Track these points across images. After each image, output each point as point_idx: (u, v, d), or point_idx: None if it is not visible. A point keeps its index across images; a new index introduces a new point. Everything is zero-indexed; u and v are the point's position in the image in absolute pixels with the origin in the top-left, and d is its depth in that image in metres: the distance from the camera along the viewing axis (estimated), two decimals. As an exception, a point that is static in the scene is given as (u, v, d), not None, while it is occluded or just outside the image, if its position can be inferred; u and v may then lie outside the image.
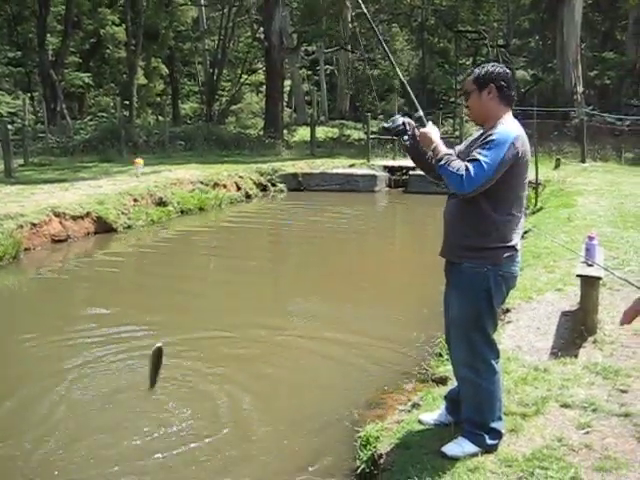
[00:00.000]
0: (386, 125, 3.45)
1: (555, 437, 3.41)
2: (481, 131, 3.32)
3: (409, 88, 3.63)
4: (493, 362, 3.31)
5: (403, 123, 3.36)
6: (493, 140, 3.11)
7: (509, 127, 3.19)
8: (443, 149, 3.23)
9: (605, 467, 3.11)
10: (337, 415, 4.67)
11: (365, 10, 4.10)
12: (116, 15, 30.23)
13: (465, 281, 3.26)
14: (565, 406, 3.76)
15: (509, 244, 3.25)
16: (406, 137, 3.37)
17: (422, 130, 3.33)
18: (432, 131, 3.32)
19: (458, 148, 3.42)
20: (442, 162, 3.17)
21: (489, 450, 3.29)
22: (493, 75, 3.26)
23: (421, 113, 3.39)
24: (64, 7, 27.74)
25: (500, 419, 3.36)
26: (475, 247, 3.23)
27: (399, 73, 3.67)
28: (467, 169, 3.06)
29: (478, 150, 3.12)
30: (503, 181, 3.13)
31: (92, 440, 4.35)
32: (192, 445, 4.28)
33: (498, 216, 3.20)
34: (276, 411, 4.85)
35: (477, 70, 3.32)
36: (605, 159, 19.29)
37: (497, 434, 3.33)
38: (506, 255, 3.24)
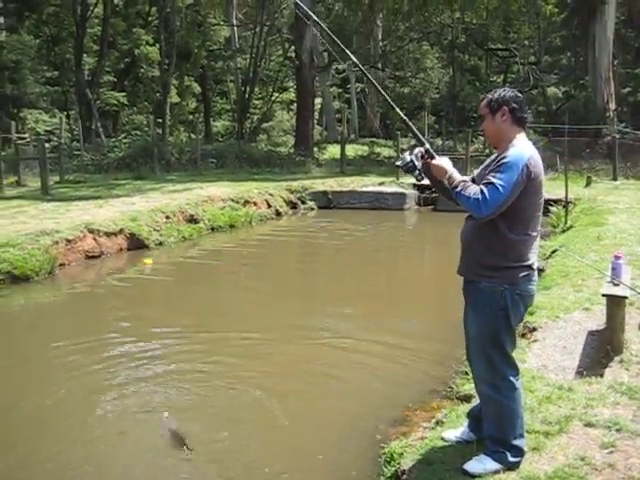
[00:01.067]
0: (397, 164, 3.56)
1: (578, 456, 3.43)
2: (496, 154, 3.40)
3: (411, 124, 3.69)
4: (513, 379, 3.35)
5: (411, 160, 3.44)
6: (506, 163, 3.19)
7: (521, 149, 3.27)
8: (457, 176, 3.34)
9: (628, 487, 3.12)
10: (362, 431, 4.72)
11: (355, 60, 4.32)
12: (150, 35, 30.85)
13: (482, 300, 3.33)
14: (589, 425, 3.77)
15: (525, 263, 3.31)
16: (417, 172, 3.46)
17: (434, 163, 3.42)
18: (443, 162, 3.41)
19: (476, 172, 3.50)
20: (458, 189, 3.27)
21: (511, 468, 3.32)
22: (505, 98, 3.35)
23: (428, 146, 3.47)
24: (100, 28, 28.42)
25: (522, 436, 3.39)
26: (492, 266, 3.30)
27: (398, 111, 3.79)
28: (483, 193, 3.15)
29: (492, 174, 3.21)
30: (518, 202, 3.21)
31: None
32: (213, 454, 4.37)
33: (514, 236, 3.27)
34: (301, 424, 4.92)
35: (489, 95, 3.42)
36: (637, 177, 19.09)
37: (519, 451, 3.36)
38: (523, 274, 3.30)
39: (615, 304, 4.78)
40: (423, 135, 3.56)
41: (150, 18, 32.47)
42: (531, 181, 3.22)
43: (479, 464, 3.35)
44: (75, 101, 28.08)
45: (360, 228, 14.49)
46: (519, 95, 3.40)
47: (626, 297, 4.77)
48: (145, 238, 11.60)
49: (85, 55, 27.65)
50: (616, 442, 3.56)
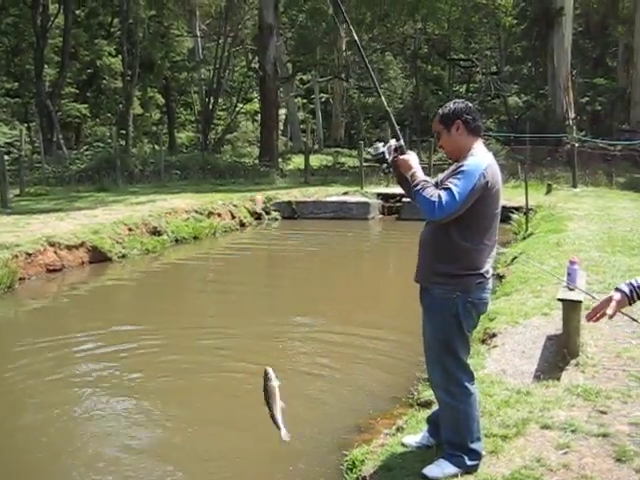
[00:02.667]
0: (369, 150, 3.59)
1: (534, 458, 3.49)
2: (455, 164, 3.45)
3: (392, 116, 3.75)
4: (467, 384, 3.40)
5: (383, 152, 3.48)
6: (464, 171, 3.23)
7: (480, 158, 3.31)
8: (420, 175, 3.36)
9: (581, 486, 3.19)
10: (325, 439, 4.74)
11: (356, 37, 4.21)
12: (112, 46, 30.63)
13: (435, 306, 3.37)
14: (545, 427, 3.84)
15: (479, 271, 3.33)
16: (385, 165, 3.50)
17: (401, 157, 3.46)
18: (411, 158, 3.45)
19: (440, 176, 3.53)
20: (418, 187, 3.29)
21: (469, 471, 3.37)
22: (457, 111, 3.39)
23: (402, 142, 3.50)
24: (61, 39, 28.12)
25: (479, 440, 3.44)
26: (444, 273, 3.32)
27: (384, 102, 3.81)
28: (439, 197, 3.18)
29: (450, 179, 3.25)
30: (473, 210, 3.24)
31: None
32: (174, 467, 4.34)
33: (468, 244, 3.29)
34: (264, 434, 4.91)
35: (440, 110, 3.45)
36: (596, 184, 19.48)
37: (476, 455, 3.41)
38: (476, 282, 3.33)
39: (571, 308, 4.87)
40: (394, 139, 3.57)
41: (112, 29, 32.27)
42: (487, 190, 3.25)
43: (437, 468, 3.39)
44: (36, 113, 27.68)
45: (325, 238, 14.54)
46: (469, 105, 3.45)
47: (581, 301, 4.86)
48: (107, 251, 11.47)
49: (46, 66, 27.28)
50: (571, 443, 3.63)
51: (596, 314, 2.54)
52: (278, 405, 3.23)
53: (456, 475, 3.34)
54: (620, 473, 3.32)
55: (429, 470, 3.39)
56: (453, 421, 3.40)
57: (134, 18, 27.49)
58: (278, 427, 3.25)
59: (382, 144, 3.54)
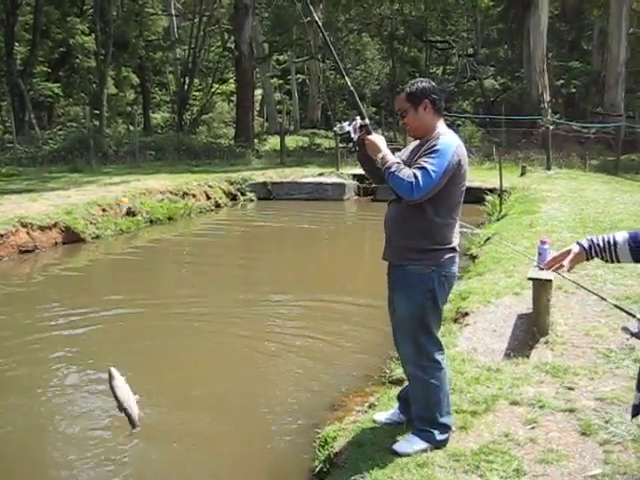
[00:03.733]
0: (335, 129, 3.59)
1: (502, 433, 3.56)
2: (418, 141, 3.48)
3: (356, 95, 3.74)
4: (439, 358, 3.46)
5: (348, 131, 3.49)
6: (439, 150, 3.27)
7: (450, 137, 3.37)
8: (391, 157, 3.38)
9: (547, 459, 3.26)
10: (300, 417, 4.79)
11: (316, 18, 4.24)
12: (85, 24, 30.06)
13: (410, 282, 3.40)
14: (514, 404, 3.91)
15: (450, 246, 3.42)
16: (351, 144, 3.52)
17: (369, 138, 3.46)
18: (379, 139, 3.45)
19: (400, 155, 3.56)
20: (392, 169, 3.30)
21: (439, 446, 3.42)
22: (425, 90, 3.43)
23: (367, 121, 3.51)
24: (32, 16, 27.57)
25: (449, 414, 3.51)
26: (420, 249, 3.38)
27: (347, 80, 3.79)
28: (416, 177, 3.21)
29: (424, 159, 3.28)
30: (446, 187, 3.30)
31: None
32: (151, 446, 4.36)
33: (440, 219, 3.36)
34: (238, 412, 4.94)
35: (408, 88, 3.46)
36: (570, 166, 19.68)
37: (446, 429, 3.47)
38: (448, 256, 3.41)
39: (540, 287, 4.94)
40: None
41: (85, 7, 31.68)
42: (459, 168, 3.33)
43: (408, 444, 3.44)
44: (7, 92, 27.17)
45: (300, 218, 14.55)
46: (435, 85, 3.49)
47: (550, 280, 4.93)
48: (81, 231, 11.37)
49: (17, 44, 26.76)
50: (538, 418, 3.70)
51: (555, 264, 2.62)
52: (132, 399, 3.32)
53: (425, 450, 3.39)
54: (584, 446, 3.40)
55: (399, 446, 3.44)
56: (423, 396, 3.45)
57: (107, -5, 27.01)
58: (131, 420, 3.34)
59: (347, 123, 3.55)
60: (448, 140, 3.33)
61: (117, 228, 12.21)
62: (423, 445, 3.41)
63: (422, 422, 3.46)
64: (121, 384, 3.32)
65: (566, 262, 2.58)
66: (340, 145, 19.65)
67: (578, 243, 2.59)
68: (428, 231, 3.37)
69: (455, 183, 3.35)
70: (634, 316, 2.69)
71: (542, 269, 4.99)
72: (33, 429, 4.72)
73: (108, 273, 10.26)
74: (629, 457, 3.25)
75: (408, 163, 3.38)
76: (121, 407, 3.31)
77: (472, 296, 6.33)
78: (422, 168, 3.23)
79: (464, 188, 3.46)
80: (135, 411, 3.31)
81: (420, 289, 3.38)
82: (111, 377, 3.33)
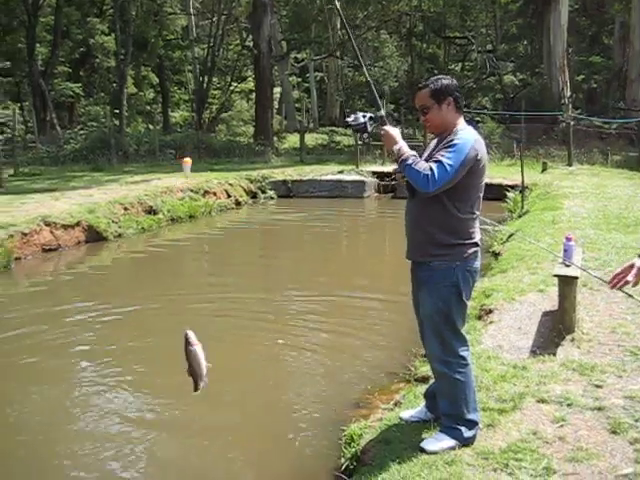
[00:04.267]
0: (348, 119, 3.59)
1: (530, 431, 3.53)
2: (437, 139, 3.51)
3: (374, 87, 3.75)
4: (464, 354, 3.46)
5: (364, 122, 3.51)
6: (456, 144, 3.30)
7: (468, 133, 3.40)
8: (408, 150, 3.41)
9: (577, 457, 3.24)
10: (325, 415, 4.79)
11: (338, 6, 4.26)
12: (105, 25, 30.34)
13: (435, 278, 3.42)
14: (541, 401, 3.88)
15: (473, 240, 3.45)
16: (366, 135, 3.55)
17: (385, 129, 3.47)
18: (394, 131, 3.48)
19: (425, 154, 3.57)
20: (409, 162, 3.33)
21: (467, 443, 3.41)
22: (450, 88, 3.44)
23: (383, 113, 3.53)
24: (53, 17, 27.83)
25: (475, 410, 3.51)
26: (444, 244, 3.40)
27: (366, 73, 3.83)
28: (432, 170, 3.24)
29: (441, 152, 3.31)
30: (465, 182, 3.33)
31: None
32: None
33: (461, 214, 3.39)
34: (265, 411, 4.96)
35: (432, 85, 3.45)
36: (592, 162, 19.49)
37: (474, 425, 3.47)
38: (471, 251, 3.44)
39: (566, 284, 4.90)
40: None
41: (105, 7, 31.95)
42: (477, 162, 3.36)
43: (435, 441, 3.43)
44: (29, 92, 27.49)
45: (320, 216, 14.55)
46: (457, 83, 3.52)
47: (577, 277, 4.89)
48: (103, 230, 11.48)
49: (38, 45, 27.05)
50: (567, 416, 3.67)
51: (618, 280, 2.54)
52: (203, 365, 3.32)
53: (454, 448, 3.38)
54: (614, 444, 3.37)
55: (427, 443, 3.44)
56: (450, 392, 3.45)
57: (127, -4, 27.18)
58: (197, 384, 3.34)
59: (362, 114, 3.56)
60: (466, 135, 3.36)
61: (139, 226, 12.31)
62: (451, 442, 3.40)
63: (449, 419, 3.46)
64: (196, 348, 3.32)
65: (631, 277, 2.50)
66: (359, 142, 19.63)
67: (639, 256, 2.52)
68: (450, 226, 3.39)
69: (474, 177, 3.38)
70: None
71: (568, 266, 4.97)
72: (52, 416, 4.78)
73: (132, 270, 10.33)
74: (660, 456, 3.22)
75: (427, 159, 3.40)
76: (189, 370, 3.32)
77: (496, 293, 6.29)
78: (438, 161, 3.27)
79: (483, 183, 3.48)
80: (202, 374, 3.32)
81: (445, 285, 3.39)
82: (187, 340, 3.33)
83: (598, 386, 4.05)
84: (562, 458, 3.24)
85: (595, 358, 4.51)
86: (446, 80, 3.47)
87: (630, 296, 3.26)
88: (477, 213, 3.48)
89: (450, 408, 3.46)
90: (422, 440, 3.50)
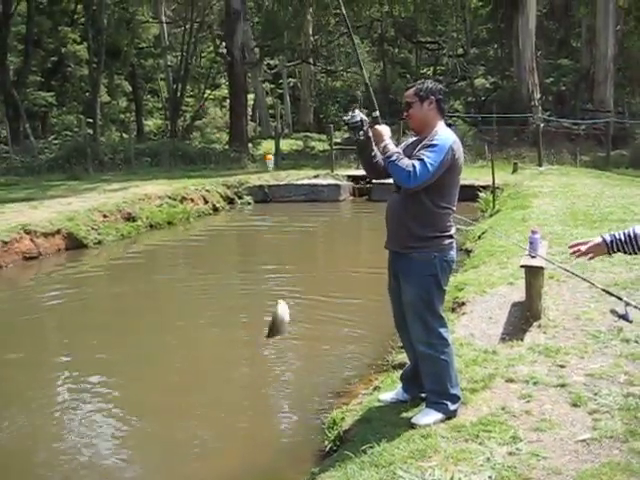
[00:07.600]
0: (345, 118, 3.84)
1: (499, 406, 3.83)
2: (416, 137, 3.82)
3: (371, 89, 4.08)
4: (446, 335, 3.78)
5: (361, 120, 3.78)
6: (437, 145, 3.61)
7: (447, 134, 3.70)
8: (393, 147, 3.71)
9: (541, 427, 3.53)
10: (307, 405, 5.02)
11: (344, 11, 4.66)
12: (77, 33, 30.29)
13: (415, 269, 3.71)
14: (510, 381, 4.18)
15: (448, 233, 3.76)
16: (361, 132, 3.80)
17: (376, 127, 3.79)
18: (385, 130, 3.78)
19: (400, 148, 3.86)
20: (393, 158, 3.63)
21: (451, 416, 3.72)
22: (433, 90, 3.76)
23: (377, 113, 3.85)
24: (24, 26, 27.77)
25: (457, 385, 3.83)
26: (422, 237, 3.69)
27: (365, 75, 4.11)
28: (414, 167, 3.54)
29: (423, 151, 3.60)
30: (444, 179, 3.64)
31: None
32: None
33: (438, 209, 3.69)
34: (247, 402, 5.18)
35: (418, 85, 3.79)
36: (561, 162, 20.01)
37: (457, 399, 3.79)
38: (447, 242, 3.74)
39: (532, 274, 5.21)
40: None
41: (77, 16, 31.90)
42: (455, 161, 3.66)
43: (425, 416, 3.74)
44: (1, 102, 27.37)
45: (297, 219, 14.79)
46: (443, 88, 3.85)
47: (542, 267, 5.19)
48: (83, 237, 11.59)
49: (9, 54, 26.95)
50: (532, 393, 3.97)
51: (577, 246, 2.83)
52: (285, 321, 3.99)
53: (442, 420, 3.69)
54: (575, 415, 3.67)
55: (417, 419, 3.73)
56: (434, 371, 3.76)
57: (98, 4, 27.13)
58: (272, 330, 4.03)
59: (358, 113, 3.83)
60: (445, 136, 3.67)
61: (118, 233, 12.44)
62: (439, 416, 3.71)
63: (435, 395, 3.77)
64: (283, 307, 3.95)
65: (584, 247, 2.80)
66: (334, 147, 19.91)
67: (601, 236, 2.81)
68: (428, 220, 3.68)
69: (452, 175, 3.69)
70: (622, 300, 2.94)
71: (534, 257, 5.27)
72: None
73: (115, 275, 10.43)
74: (615, 423, 3.52)
75: (407, 155, 3.68)
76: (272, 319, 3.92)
77: (468, 287, 6.59)
78: (421, 160, 3.56)
79: (459, 180, 3.79)
80: (279, 324, 3.94)
81: (425, 275, 3.69)
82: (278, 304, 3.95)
83: (562, 366, 4.35)
84: (528, 428, 3.54)
85: (560, 342, 4.81)
86: (432, 84, 3.80)
87: (593, 284, 3.56)
88: (453, 208, 3.77)
89: (435, 385, 3.77)
90: (401, 418, 3.76)
